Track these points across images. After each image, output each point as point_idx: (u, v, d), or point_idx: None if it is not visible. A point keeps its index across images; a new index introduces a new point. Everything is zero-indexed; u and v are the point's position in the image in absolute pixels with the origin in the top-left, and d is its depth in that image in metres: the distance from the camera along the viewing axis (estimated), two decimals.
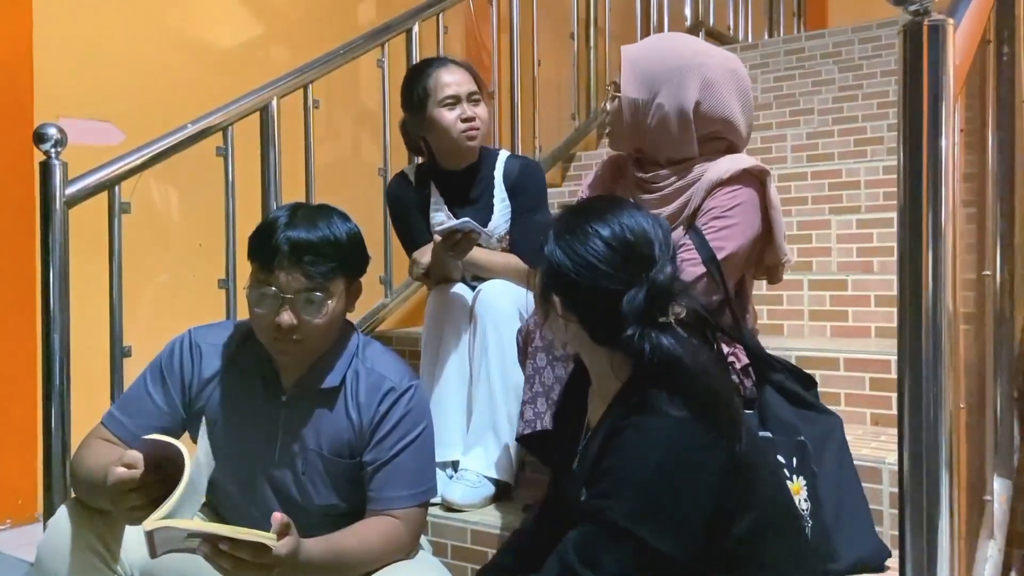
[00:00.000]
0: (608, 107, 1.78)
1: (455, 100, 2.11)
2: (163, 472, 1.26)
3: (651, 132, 1.73)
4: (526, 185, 2.16)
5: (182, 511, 1.22)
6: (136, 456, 1.25)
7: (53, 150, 2.01)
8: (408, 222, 2.25)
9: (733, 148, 1.77)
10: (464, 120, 2.11)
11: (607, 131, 1.84)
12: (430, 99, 2.12)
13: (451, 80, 2.12)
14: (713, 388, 1.19)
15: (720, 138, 1.74)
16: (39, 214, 2.03)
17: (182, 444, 1.26)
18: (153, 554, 1.20)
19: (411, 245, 2.25)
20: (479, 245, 2.12)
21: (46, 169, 2.01)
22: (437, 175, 2.23)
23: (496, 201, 2.18)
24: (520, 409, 1.76)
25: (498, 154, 2.24)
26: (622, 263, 1.22)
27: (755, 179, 1.70)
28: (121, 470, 1.25)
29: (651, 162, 1.77)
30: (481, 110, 2.14)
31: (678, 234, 1.71)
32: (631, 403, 1.20)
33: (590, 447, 1.27)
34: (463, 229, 1.93)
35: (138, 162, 2.18)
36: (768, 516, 1.22)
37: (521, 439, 1.75)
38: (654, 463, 1.13)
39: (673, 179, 1.73)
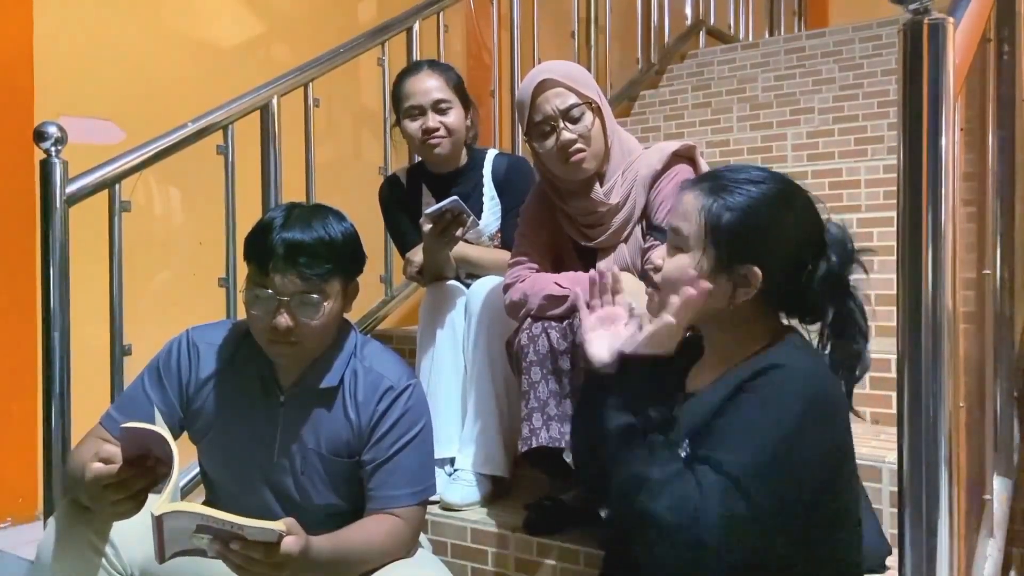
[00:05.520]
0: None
1: (418, 110, 2.12)
2: (143, 464, 1.24)
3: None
4: (514, 182, 2.15)
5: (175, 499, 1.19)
6: (113, 451, 1.23)
7: (53, 148, 2.01)
8: (400, 223, 2.27)
9: None
10: (425, 131, 2.11)
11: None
12: (400, 108, 2.15)
13: (417, 89, 2.12)
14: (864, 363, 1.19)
15: None
16: (39, 212, 2.02)
17: (163, 429, 1.21)
18: (161, 555, 1.18)
19: (404, 245, 2.27)
20: (468, 242, 2.12)
21: (46, 167, 2.01)
22: (427, 176, 2.24)
23: (486, 199, 2.19)
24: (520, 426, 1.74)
25: (486, 153, 2.25)
26: (795, 218, 1.18)
27: (684, 159, 1.74)
28: (98, 465, 1.23)
29: (574, 192, 1.75)
30: (450, 118, 2.12)
31: (638, 236, 1.72)
32: (769, 354, 1.16)
33: (700, 405, 1.20)
34: (453, 209, 1.92)
35: (138, 161, 2.18)
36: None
37: (526, 456, 1.73)
38: (799, 411, 1.08)
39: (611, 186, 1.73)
